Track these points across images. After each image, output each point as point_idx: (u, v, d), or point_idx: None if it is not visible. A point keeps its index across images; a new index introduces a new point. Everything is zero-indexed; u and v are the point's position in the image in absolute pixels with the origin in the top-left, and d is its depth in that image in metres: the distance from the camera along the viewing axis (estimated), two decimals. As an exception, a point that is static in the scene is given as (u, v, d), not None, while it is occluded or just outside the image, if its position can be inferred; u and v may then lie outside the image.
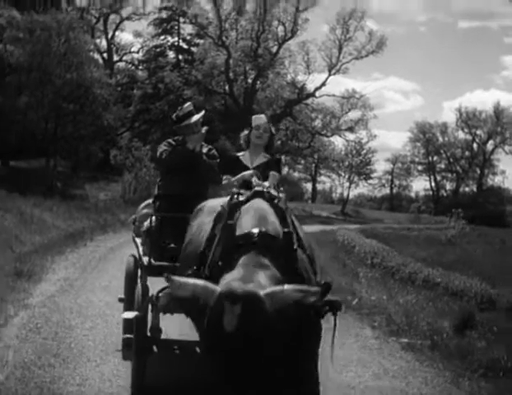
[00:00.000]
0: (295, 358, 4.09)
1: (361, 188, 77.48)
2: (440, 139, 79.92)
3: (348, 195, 71.96)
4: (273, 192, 4.57)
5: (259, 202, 4.36)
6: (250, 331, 3.35)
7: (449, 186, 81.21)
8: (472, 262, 18.21)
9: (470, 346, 8.66)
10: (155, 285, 5.32)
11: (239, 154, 6.80)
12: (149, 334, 6.22)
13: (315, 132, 55.38)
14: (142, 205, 7.68)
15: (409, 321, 9.96)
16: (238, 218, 4.27)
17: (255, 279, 3.66)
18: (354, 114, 56.98)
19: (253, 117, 6.89)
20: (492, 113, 75.13)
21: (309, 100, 55.34)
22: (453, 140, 78.92)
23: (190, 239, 5.14)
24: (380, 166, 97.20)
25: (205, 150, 7.06)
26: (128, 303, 7.13)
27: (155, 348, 6.33)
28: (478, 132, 77.06)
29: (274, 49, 52.38)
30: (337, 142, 63.06)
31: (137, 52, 57.99)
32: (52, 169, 37.27)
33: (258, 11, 50.14)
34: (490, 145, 77.05)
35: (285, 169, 63.83)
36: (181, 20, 55.89)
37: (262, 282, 3.65)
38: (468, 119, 76.34)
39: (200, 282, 3.63)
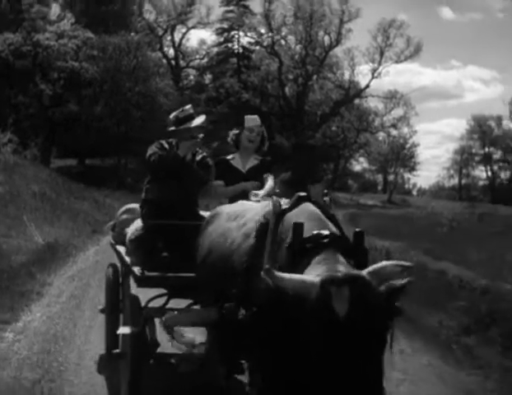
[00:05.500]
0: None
1: (434, 179, 78.35)
2: (496, 131, 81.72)
3: (395, 185, 76.04)
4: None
5: (308, 206, 4.02)
6: (363, 313, 2.99)
7: (503, 175, 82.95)
8: (391, 228, 23.64)
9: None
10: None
11: (229, 157, 6.41)
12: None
13: (361, 129, 60.65)
14: (121, 210, 7.02)
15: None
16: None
17: (342, 270, 3.28)
18: (397, 112, 62.58)
19: (246, 117, 6.42)
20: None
21: (356, 101, 60.96)
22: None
23: (210, 249, 4.69)
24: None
25: (199, 157, 6.24)
26: (111, 314, 6.75)
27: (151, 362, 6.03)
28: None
29: (322, 56, 57.57)
30: (381, 138, 67.15)
31: (202, 58, 63.71)
32: (123, 167, 43.36)
33: (306, 24, 56.01)
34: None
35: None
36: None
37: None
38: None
39: (297, 276, 3.23)
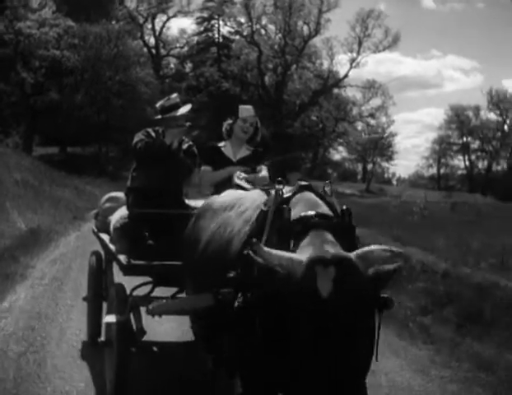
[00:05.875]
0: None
1: (414, 168, 78.44)
2: (473, 121, 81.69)
3: (373, 174, 77.39)
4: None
5: (308, 194, 3.93)
6: (347, 295, 2.98)
7: (481, 165, 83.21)
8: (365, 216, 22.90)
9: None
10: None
11: (220, 144, 6.36)
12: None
13: (339, 118, 61.24)
14: (105, 198, 7.08)
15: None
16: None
17: (329, 251, 3.23)
18: (376, 102, 63.40)
19: (241, 107, 6.37)
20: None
21: (334, 90, 61.57)
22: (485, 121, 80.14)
23: (209, 240, 4.54)
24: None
25: (185, 146, 6.29)
26: (93, 302, 6.91)
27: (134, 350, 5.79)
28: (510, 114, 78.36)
29: (301, 46, 58.13)
30: (360, 127, 67.75)
31: (183, 47, 64.23)
32: (104, 155, 43.78)
33: (285, 14, 56.61)
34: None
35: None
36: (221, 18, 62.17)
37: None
38: (499, 102, 77.46)
39: (285, 253, 3.22)
